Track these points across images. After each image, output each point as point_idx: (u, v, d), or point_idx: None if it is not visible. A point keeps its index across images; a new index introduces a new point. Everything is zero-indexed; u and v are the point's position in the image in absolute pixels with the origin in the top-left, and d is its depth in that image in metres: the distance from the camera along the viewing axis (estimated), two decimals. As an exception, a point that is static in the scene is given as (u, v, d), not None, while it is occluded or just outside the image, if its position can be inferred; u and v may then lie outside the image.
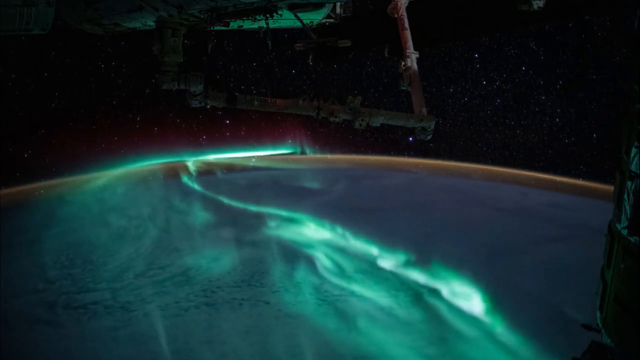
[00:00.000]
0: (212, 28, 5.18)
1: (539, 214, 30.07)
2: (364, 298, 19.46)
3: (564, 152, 40.36)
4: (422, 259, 21.73)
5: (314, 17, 5.76)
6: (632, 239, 2.99)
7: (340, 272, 21.68)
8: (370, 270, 21.98)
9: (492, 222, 28.02)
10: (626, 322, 3.02)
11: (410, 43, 6.00)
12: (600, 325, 3.29)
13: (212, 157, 44.47)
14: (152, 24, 5.24)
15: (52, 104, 35.92)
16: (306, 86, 40.61)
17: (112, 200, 33.68)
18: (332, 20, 5.96)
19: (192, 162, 43.66)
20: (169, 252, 23.84)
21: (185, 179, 40.04)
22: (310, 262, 22.40)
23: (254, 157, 45.17)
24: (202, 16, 5.00)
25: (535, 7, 4.88)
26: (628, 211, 3.05)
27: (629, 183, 3.03)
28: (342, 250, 23.97)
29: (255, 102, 5.50)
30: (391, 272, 21.53)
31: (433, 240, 24.06)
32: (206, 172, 41.82)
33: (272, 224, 27.87)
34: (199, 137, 43.64)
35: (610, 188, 3.34)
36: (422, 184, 39.27)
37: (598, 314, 3.32)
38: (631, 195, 3.00)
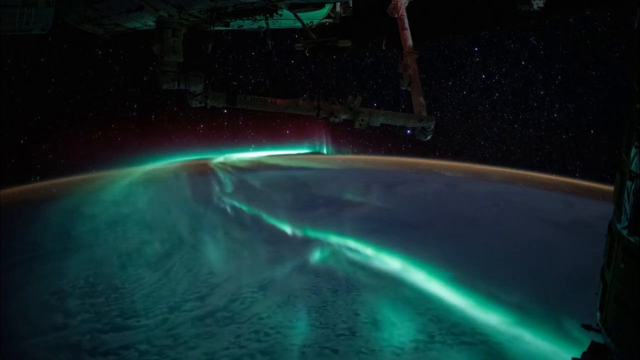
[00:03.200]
0: (212, 28, 5.19)
1: (598, 230, 27.58)
2: (447, 344, 15.76)
3: (561, 148, 40.47)
4: (509, 298, 17.74)
5: (314, 17, 5.76)
6: (632, 239, 2.99)
7: (413, 309, 17.82)
8: (441, 306, 18.01)
9: (556, 242, 24.67)
10: (626, 322, 3.03)
11: (410, 43, 6.00)
12: (600, 325, 3.30)
13: (234, 155, 44.22)
14: (152, 24, 5.25)
15: (49, 90, 35.34)
16: (305, 76, 40.49)
17: (133, 206, 30.79)
18: (332, 20, 5.97)
19: (215, 161, 42.85)
20: (205, 277, 20.63)
21: (211, 182, 37.71)
22: (372, 296, 18.76)
23: (254, 154, 44.88)
24: (202, 16, 5.01)
25: (536, 7, 4.88)
26: (628, 211, 3.05)
27: (629, 183, 3.03)
28: (407, 282, 20.08)
29: (255, 102, 5.50)
30: (472, 314, 17.36)
31: (510, 269, 20.24)
32: (230, 173, 39.75)
33: (317, 243, 24.40)
34: (220, 135, 43.51)
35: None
36: (459, 191, 37.10)
37: (598, 314, 3.33)
38: (631, 195, 3.00)
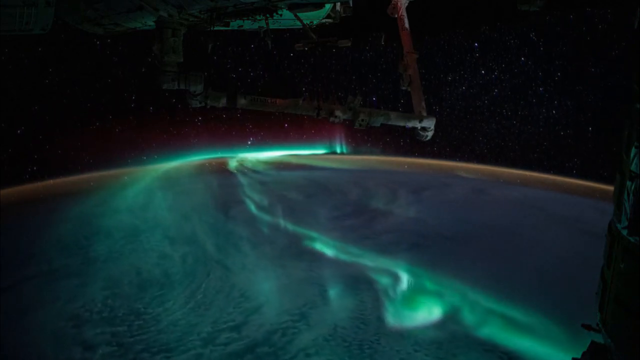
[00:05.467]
0: (212, 28, 5.20)
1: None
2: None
3: (559, 145, 40.46)
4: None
5: (314, 17, 5.77)
6: (632, 239, 2.99)
7: (477, 344, 15.48)
8: (508, 343, 15.51)
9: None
10: (626, 322, 3.03)
11: (410, 43, 6.01)
12: (600, 325, 3.31)
13: (249, 155, 43.62)
14: (152, 24, 5.26)
15: (47, 81, 34.25)
16: (304, 70, 40.18)
17: (149, 213, 28.07)
18: (332, 20, 5.98)
19: (231, 161, 41.14)
20: (237, 302, 18.05)
21: (229, 185, 35.06)
22: (428, 327, 16.32)
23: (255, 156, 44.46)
24: (202, 16, 5.02)
25: (536, 7, 4.89)
26: (628, 211, 3.06)
27: (628, 183, 3.03)
28: (462, 310, 17.35)
29: (256, 102, 5.51)
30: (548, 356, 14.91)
31: (580, 298, 16.95)
32: (248, 175, 37.45)
33: (356, 261, 21.60)
34: (233, 134, 43.10)
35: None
36: (487, 198, 34.62)
37: (598, 314, 3.34)
38: (631, 195, 3.01)
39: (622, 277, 3.09)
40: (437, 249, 23.21)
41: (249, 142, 44.11)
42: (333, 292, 18.77)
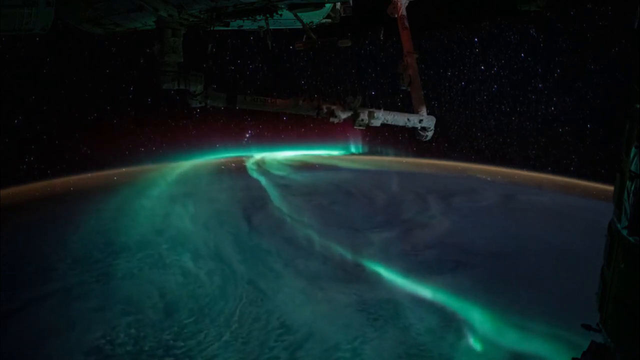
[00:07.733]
0: (212, 28, 5.20)
1: None
2: None
3: (558, 142, 40.37)
4: None
5: (314, 17, 5.76)
6: (632, 239, 3.00)
7: None
8: None
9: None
10: (626, 322, 3.04)
11: (410, 43, 6.00)
12: (600, 325, 3.32)
13: (267, 155, 43.13)
14: (152, 24, 5.26)
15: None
16: (303, 63, 39.96)
17: (168, 221, 25.97)
18: (331, 20, 5.97)
19: (249, 161, 39.59)
20: (277, 333, 15.96)
21: (250, 188, 32.87)
22: None
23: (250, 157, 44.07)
24: (202, 16, 5.02)
25: (536, 7, 4.89)
26: (628, 211, 3.06)
27: (628, 183, 3.04)
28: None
29: (256, 102, 5.52)
30: None
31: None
32: (268, 177, 35.44)
33: (402, 283, 19.31)
34: (247, 133, 42.76)
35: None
36: (520, 205, 32.44)
37: (598, 314, 3.35)
38: (631, 195, 3.02)
39: (622, 277, 3.09)
40: (487, 269, 20.92)
41: (247, 136, 43.72)
42: (384, 323, 16.48)
